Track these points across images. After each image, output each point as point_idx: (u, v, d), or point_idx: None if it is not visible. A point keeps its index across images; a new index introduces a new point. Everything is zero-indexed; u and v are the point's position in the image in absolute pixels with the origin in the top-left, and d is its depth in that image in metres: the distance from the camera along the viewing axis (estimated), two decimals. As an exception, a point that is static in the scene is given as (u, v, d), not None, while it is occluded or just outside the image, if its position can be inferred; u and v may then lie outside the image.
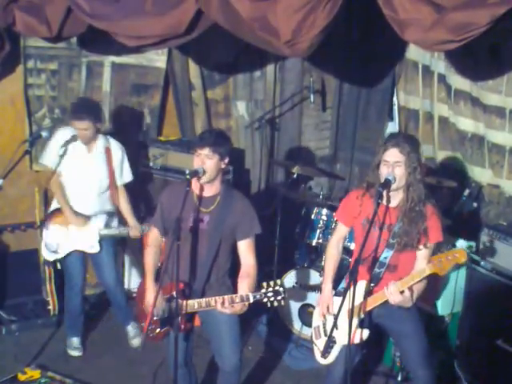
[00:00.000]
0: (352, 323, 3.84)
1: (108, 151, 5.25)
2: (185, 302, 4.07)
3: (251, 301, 3.93)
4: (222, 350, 4.25)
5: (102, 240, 5.27)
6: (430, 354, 4.25)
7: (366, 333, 4.08)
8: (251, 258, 4.18)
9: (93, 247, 5.26)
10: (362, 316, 4.05)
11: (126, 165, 5.40)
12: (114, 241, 5.41)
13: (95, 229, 5.24)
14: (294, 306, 5.79)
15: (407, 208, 3.96)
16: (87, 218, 5.25)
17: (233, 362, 4.23)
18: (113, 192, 5.31)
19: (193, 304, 4.09)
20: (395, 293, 3.91)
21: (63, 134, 5.23)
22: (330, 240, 4.39)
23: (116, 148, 5.33)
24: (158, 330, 4.22)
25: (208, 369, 5.19)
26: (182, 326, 4.10)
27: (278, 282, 3.91)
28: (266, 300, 3.90)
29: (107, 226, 5.29)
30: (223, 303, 3.96)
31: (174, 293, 4.00)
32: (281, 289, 3.89)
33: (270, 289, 3.89)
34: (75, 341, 5.58)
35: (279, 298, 3.90)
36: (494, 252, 4.80)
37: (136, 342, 5.58)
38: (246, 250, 4.17)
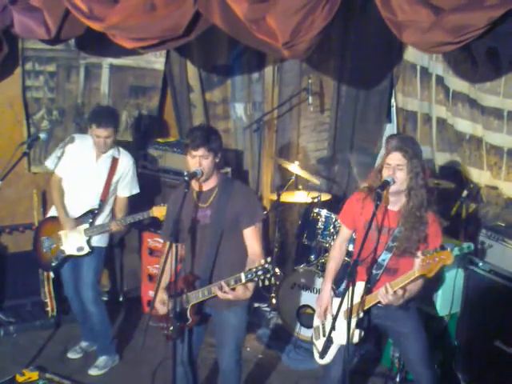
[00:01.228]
0: (348, 323, 3.84)
1: (115, 161, 5.16)
2: (189, 293, 4.09)
3: (243, 281, 3.88)
4: (222, 349, 4.28)
5: (91, 248, 5.20)
6: (431, 354, 4.27)
7: (361, 333, 4.10)
8: (257, 246, 4.15)
9: (81, 249, 5.17)
10: (361, 315, 4.06)
11: (133, 178, 5.29)
12: (98, 256, 5.27)
13: (81, 229, 5.16)
14: (293, 308, 5.78)
15: (408, 212, 3.98)
16: (76, 220, 5.18)
17: (231, 361, 4.27)
18: (105, 192, 5.16)
19: (197, 294, 4.09)
20: (386, 295, 3.93)
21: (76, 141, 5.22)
22: (334, 242, 4.46)
23: (125, 160, 5.22)
24: (171, 327, 4.22)
25: (208, 368, 5.20)
26: (190, 319, 4.11)
27: (268, 259, 3.87)
28: (256, 279, 3.86)
29: (92, 223, 5.18)
30: (222, 288, 3.95)
31: (181, 288, 4.04)
32: (269, 266, 3.84)
33: (260, 267, 3.86)
34: (81, 344, 5.60)
35: (268, 275, 3.84)
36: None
37: (94, 371, 5.32)
38: (250, 238, 4.15)
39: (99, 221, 5.21)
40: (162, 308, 4.21)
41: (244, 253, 4.17)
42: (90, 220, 5.16)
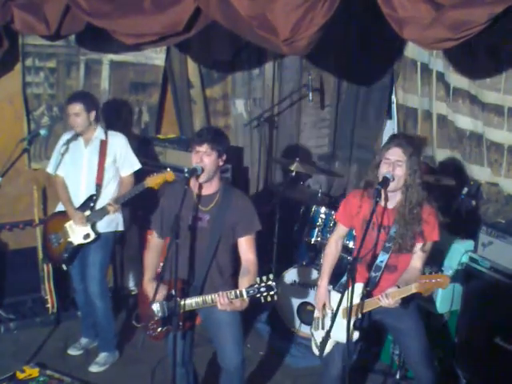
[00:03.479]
0: (348, 321, 3.85)
1: (103, 143, 5.19)
2: (183, 300, 4.07)
3: (245, 296, 3.92)
4: (224, 350, 4.24)
5: (97, 234, 5.21)
6: (431, 353, 4.27)
7: (357, 333, 4.12)
8: (251, 254, 4.17)
9: (88, 236, 5.18)
10: (360, 316, 4.06)
11: (129, 155, 5.31)
12: (105, 247, 5.29)
13: (84, 216, 5.19)
14: (293, 304, 5.79)
15: (405, 210, 3.98)
16: (79, 209, 5.20)
17: (234, 362, 4.21)
18: (99, 176, 5.19)
19: (190, 303, 4.09)
20: (384, 301, 3.94)
21: (66, 136, 5.30)
22: (329, 238, 4.43)
23: (115, 140, 5.25)
24: (159, 329, 4.22)
25: (208, 368, 5.19)
26: (181, 324, 4.09)
27: (271, 276, 3.90)
28: (259, 295, 3.89)
29: (92, 209, 5.19)
30: (220, 301, 3.96)
31: (173, 291, 4.00)
32: (273, 284, 3.88)
33: (263, 284, 3.88)
34: (81, 341, 5.62)
35: (272, 293, 3.88)
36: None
37: (95, 368, 5.33)
38: (246, 247, 4.17)
39: (100, 205, 5.21)
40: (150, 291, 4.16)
41: (233, 259, 4.22)
42: (91, 206, 5.19)
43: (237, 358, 4.21)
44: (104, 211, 5.18)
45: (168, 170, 5.05)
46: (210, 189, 4.17)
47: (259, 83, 6.80)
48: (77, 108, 5.09)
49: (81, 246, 5.25)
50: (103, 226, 5.24)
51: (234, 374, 4.27)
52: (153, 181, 5.04)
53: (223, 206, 4.13)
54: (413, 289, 3.89)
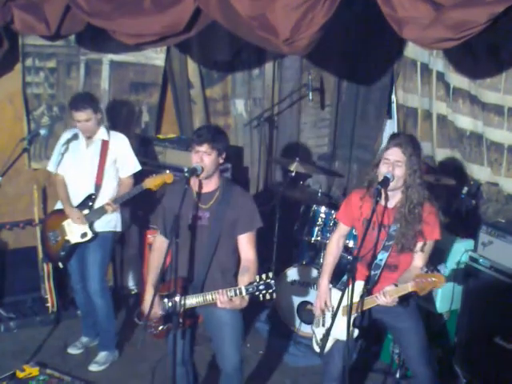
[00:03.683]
0: (348, 320, 3.86)
1: (105, 143, 5.19)
2: (184, 299, 4.07)
3: (244, 294, 3.90)
4: (222, 350, 4.24)
5: (94, 237, 5.21)
6: (430, 352, 4.27)
7: (355, 330, 4.13)
8: (251, 252, 4.15)
9: (85, 235, 5.18)
10: (359, 314, 4.07)
11: (130, 157, 5.30)
12: (104, 246, 5.28)
13: (82, 215, 5.18)
14: (293, 304, 5.79)
15: (405, 210, 3.98)
16: (77, 208, 5.20)
17: (232, 362, 4.21)
18: (99, 175, 5.19)
19: (191, 301, 4.08)
20: (382, 299, 3.95)
21: (67, 135, 5.30)
22: (331, 237, 4.44)
23: (117, 141, 5.25)
24: (161, 327, 4.22)
25: (208, 367, 5.20)
26: (181, 322, 4.10)
27: (270, 274, 3.89)
28: (257, 293, 3.88)
29: (91, 208, 5.19)
30: (219, 299, 3.95)
31: (174, 289, 4.00)
32: (272, 282, 3.87)
33: (262, 282, 3.87)
34: (81, 340, 5.63)
35: (270, 291, 3.87)
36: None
37: (94, 367, 5.34)
38: (246, 245, 4.15)
39: (99, 204, 5.21)
40: (147, 303, 4.12)
41: (236, 259, 4.20)
42: (90, 205, 5.19)
43: (234, 359, 4.21)
44: (102, 211, 5.18)
45: (167, 171, 5.06)
46: (209, 186, 4.17)
47: (259, 83, 6.80)
48: (86, 114, 5.05)
49: (78, 244, 5.25)
50: (101, 225, 5.24)
51: (232, 376, 4.27)
52: (152, 182, 5.04)
53: (223, 203, 4.12)
54: (409, 288, 3.90)
